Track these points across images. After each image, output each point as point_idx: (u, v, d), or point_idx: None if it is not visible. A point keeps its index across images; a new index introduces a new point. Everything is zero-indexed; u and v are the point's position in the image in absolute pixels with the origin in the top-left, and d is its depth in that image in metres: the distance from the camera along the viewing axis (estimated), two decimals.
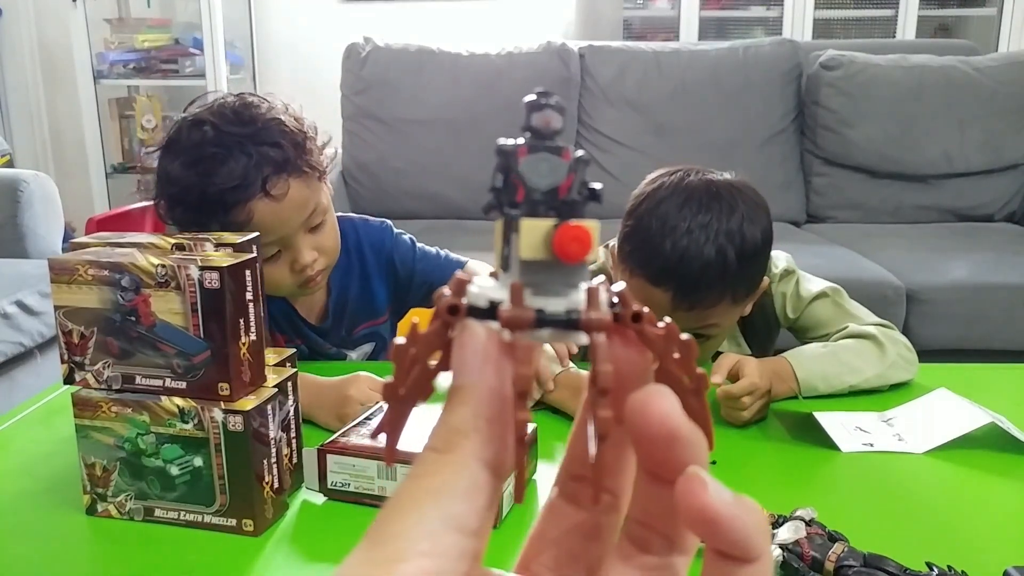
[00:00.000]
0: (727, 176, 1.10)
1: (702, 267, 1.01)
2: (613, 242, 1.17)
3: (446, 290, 0.24)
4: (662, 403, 0.21)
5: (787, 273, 1.19)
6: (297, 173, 1.06)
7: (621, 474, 0.24)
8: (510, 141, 0.23)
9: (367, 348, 1.27)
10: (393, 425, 0.24)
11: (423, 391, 0.24)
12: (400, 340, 0.23)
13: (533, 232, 0.22)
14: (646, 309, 0.23)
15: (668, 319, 0.23)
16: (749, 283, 1.08)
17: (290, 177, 1.05)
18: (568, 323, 0.22)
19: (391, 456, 0.24)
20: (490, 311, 0.22)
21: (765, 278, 1.13)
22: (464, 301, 0.23)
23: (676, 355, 0.23)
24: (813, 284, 1.19)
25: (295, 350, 0.83)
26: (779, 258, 1.21)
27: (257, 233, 0.78)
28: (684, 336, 0.23)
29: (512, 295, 0.22)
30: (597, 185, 0.24)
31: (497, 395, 0.22)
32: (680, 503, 0.21)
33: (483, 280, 0.24)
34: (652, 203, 1.07)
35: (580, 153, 0.23)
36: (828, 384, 1.06)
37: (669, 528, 0.23)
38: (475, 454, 0.21)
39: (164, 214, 1.07)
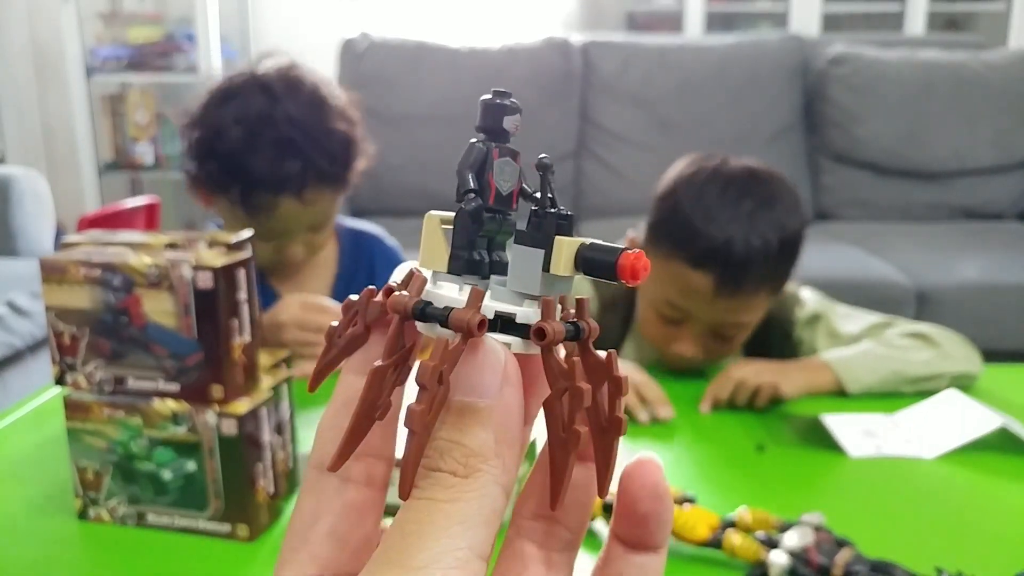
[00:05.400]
0: (762, 165, 1.09)
1: (747, 253, 1.00)
2: (632, 232, 1.15)
3: (397, 282, 0.23)
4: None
5: (815, 319, 1.15)
6: (336, 187, 1.07)
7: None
8: (480, 141, 0.23)
9: None
10: (322, 371, 0.24)
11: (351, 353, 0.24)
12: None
13: (567, 249, 0.22)
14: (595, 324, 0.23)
15: (610, 351, 0.23)
16: (785, 274, 1.07)
17: (327, 189, 1.06)
18: (576, 334, 0.22)
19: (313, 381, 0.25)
20: (493, 324, 0.22)
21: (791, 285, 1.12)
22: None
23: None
24: (853, 323, 1.13)
25: (289, 352, 0.82)
26: (808, 300, 1.16)
27: (251, 232, 0.76)
28: (621, 373, 0.23)
29: (546, 311, 0.22)
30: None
31: (516, 419, 0.21)
32: (634, 481, 0.22)
33: (446, 288, 0.23)
34: (693, 188, 1.04)
35: (544, 157, 0.23)
36: (874, 372, 1.02)
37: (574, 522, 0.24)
38: (496, 480, 0.21)
39: (190, 153, 1.06)
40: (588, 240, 0.22)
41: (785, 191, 1.05)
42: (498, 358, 0.21)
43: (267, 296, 1.18)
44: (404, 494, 0.21)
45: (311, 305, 1.04)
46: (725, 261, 1.00)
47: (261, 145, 1.01)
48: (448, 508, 0.20)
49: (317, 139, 1.03)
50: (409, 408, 0.21)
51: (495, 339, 0.22)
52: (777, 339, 1.15)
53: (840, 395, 1.04)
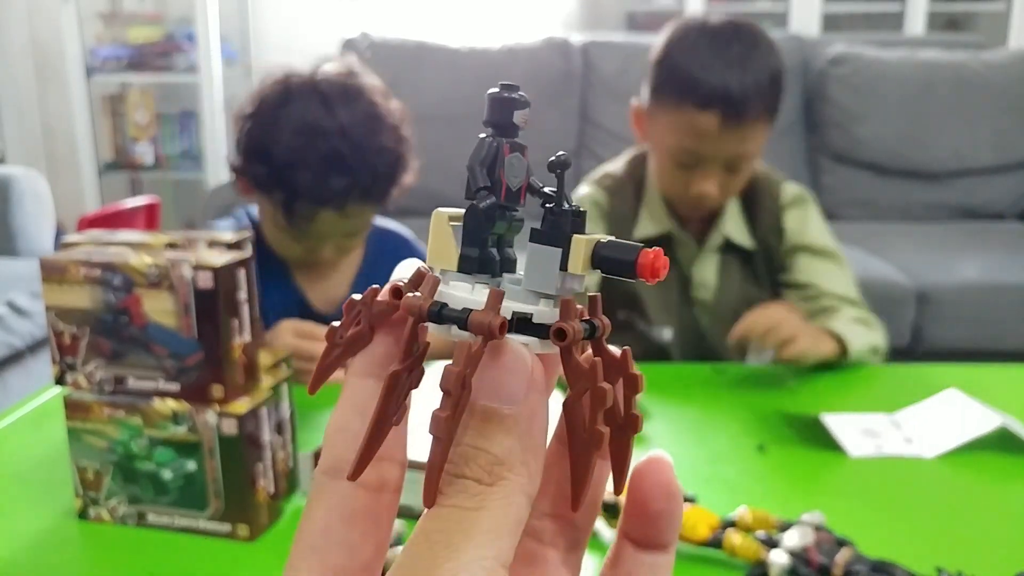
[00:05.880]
0: (738, 17, 1.22)
1: (743, 89, 1.13)
2: (635, 100, 1.27)
3: (402, 278, 0.23)
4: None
5: (802, 199, 1.28)
6: (378, 202, 1.08)
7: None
8: (489, 136, 0.23)
9: None
10: (323, 372, 0.24)
11: (353, 354, 0.23)
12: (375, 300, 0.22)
13: (584, 248, 0.22)
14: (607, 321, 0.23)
15: (624, 348, 0.23)
16: (777, 103, 1.19)
17: (368, 204, 1.07)
18: (591, 333, 0.22)
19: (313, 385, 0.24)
20: (508, 324, 0.21)
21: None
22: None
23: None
24: (829, 239, 1.28)
25: (289, 353, 0.82)
26: (793, 185, 1.30)
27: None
28: (635, 370, 0.23)
29: (565, 311, 0.21)
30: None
31: (542, 425, 0.21)
32: (646, 480, 0.23)
33: (458, 287, 0.22)
34: (685, 46, 1.18)
35: (562, 154, 0.23)
36: (863, 342, 1.13)
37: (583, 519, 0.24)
38: (523, 489, 0.20)
39: (239, 146, 1.07)
40: (604, 237, 0.22)
41: (762, 36, 1.19)
42: (525, 364, 0.21)
43: (290, 293, 1.19)
44: (429, 501, 0.20)
45: (306, 332, 1.04)
46: (726, 99, 1.12)
47: (310, 158, 1.01)
48: (475, 516, 0.19)
49: (366, 157, 1.03)
50: (434, 414, 0.20)
51: (518, 341, 0.21)
52: (764, 203, 1.27)
53: (835, 367, 1.12)
